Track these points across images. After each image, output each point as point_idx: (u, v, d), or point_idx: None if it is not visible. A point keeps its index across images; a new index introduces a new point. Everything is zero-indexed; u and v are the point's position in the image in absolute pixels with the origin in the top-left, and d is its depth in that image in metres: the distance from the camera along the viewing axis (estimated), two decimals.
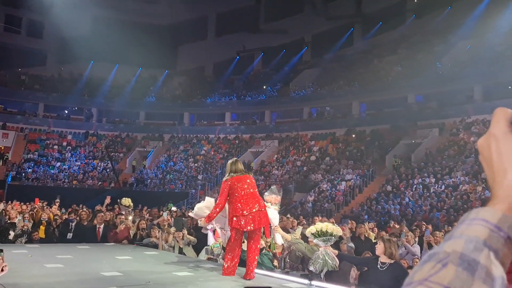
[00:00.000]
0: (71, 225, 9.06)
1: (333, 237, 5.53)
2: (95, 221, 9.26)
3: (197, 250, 8.51)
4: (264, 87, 38.21)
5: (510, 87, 25.67)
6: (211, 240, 6.53)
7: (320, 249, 5.54)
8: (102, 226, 9.11)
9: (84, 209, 11.30)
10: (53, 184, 29.22)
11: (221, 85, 40.34)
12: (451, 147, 24.07)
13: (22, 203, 14.01)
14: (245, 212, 5.46)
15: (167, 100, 39.27)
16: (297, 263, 6.78)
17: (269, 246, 7.13)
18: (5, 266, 2.60)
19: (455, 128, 25.82)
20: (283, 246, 7.18)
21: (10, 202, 14.34)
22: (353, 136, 30.21)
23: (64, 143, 34.86)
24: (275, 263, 7.26)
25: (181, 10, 41.88)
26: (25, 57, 39.53)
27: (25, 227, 8.93)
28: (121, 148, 35.92)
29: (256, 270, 5.68)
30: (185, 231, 8.50)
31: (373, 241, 8.36)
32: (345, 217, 19.40)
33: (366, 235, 8.77)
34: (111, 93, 38.25)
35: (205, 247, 8.12)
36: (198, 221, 6.37)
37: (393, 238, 9.02)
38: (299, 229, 7.63)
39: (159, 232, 8.90)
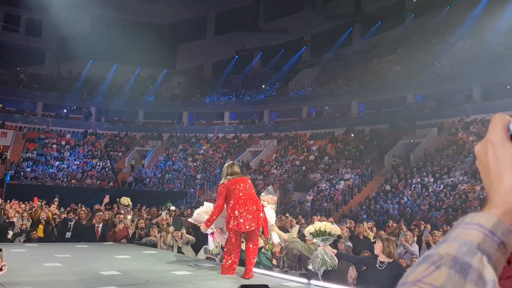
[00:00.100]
0: (70, 224, 9.05)
1: (332, 237, 5.55)
2: (94, 220, 9.26)
3: (196, 249, 8.51)
4: (263, 86, 38.20)
5: (509, 87, 25.70)
6: (211, 244, 6.55)
7: (319, 248, 5.55)
8: (101, 225, 9.10)
9: (83, 208, 11.29)
10: (51, 183, 29.19)
11: (220, 84, 40.34)
12: (450, 147, 24.10)
13: (20, 202, 13.99)
14: (244, 213, 5.49)
15: (166, 99, 39.24)
16: (294, 261, 6.80)
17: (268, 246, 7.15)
18: (4, 265, 2.60)
19: (454, 128, 25.85)
20: (281, 246, 7.20)
21: (8, 201, 14.32)
22: (352, 135, 30.23)
23: (63, 142, 34.82)
24: (274, 262, 7.27)
25: (180, 9, 41.87)
26: (24, 56, 39.51)
27: (24, 226, 8.92)
28: (120, 147, 35.89)
29: (254, 269, 5.70)
30: (184, 230, 8.50)
31: (372, 240, 8.37)
32: (344, 217, 19.43)
33: (365, 235, 8.78)
34: (110, 92, 38.21)
35: (204, 246, 8.13)
36: (196, 223, 6.39)
37: (392, 237, 9.04)
38: (296, 228, 7.65)
39: (158, 231, 8.91)
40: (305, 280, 5.32)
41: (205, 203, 6.56)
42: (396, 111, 29.60)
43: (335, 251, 5.69)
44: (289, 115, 35.92)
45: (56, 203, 13.57)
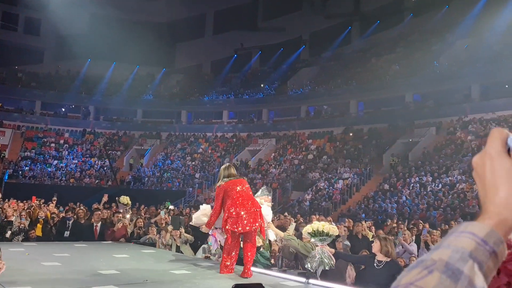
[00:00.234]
0: (68, 223, 9.04)
1: (329, 237, 5.57)
2: (92, 220, 9.25)
3: (194, 249, 8.52)
4: (262, 85, 38.19)
5: (507, 86, 25.74)
6: (214, 245, 6.58)
7: (316, 248, 5.57)
8: (99, 224, 9.09)
9: (82, 207, 11.28)
10: (50, 182, 29.16)
11: (219, 83, 40.31)
12: (448, 146, 24.12)
13: (18, 201, 13.96)
14: (241, 213, 5.52)
15: (164, 98, 39.21)
16: (291, 259, 6.81)
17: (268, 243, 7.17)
18: (3, 264, 2.59)
19: (452, 127, 25.87)
20: (278, 245, 7.23)
21: (7, 200, 14.28)
22: (351, 134, 30.25)
23: (61, 141, 34.77)
24: (272, 261, 7.28)
25: (179, 8, 41.85)
26: (22, 54, 39.43)
27: (22, 225, 8.90)
28: (118, 146, 35.86)
29: (253, 268, 5.71)
30: (183, 230, 8.50)
31: (371, 239, 8.38)
32: (343, 216, 19.44)
33: (364, 234, 8.79)
34: (108, 91, 38.16)
35: (203, 246, 8.13)
36: (200, 228, 6.43)
37: (390, 236, 9.06)
38: (292, 226, 7.69)
39: (156, 230, 8.91)
40: (303, 279, 5.34)
41: (201, 206, 6.59)
42: (395, 111, 29.63)
43: (333, 250, 5.71)
44: (287, 114, 35.93)
45: (54, 202, 13.54)
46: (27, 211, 10.36)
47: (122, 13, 39.31)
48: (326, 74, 36.14)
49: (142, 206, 15.61)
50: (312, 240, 5.68)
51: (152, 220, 10.22)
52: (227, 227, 5.61)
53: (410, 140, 26.32)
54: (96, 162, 32.99)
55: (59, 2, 35.56)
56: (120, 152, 35.15)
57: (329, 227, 5.61)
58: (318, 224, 5.65)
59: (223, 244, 6.12)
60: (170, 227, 8.47)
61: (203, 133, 36.74)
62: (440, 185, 20.68)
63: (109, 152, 33.95)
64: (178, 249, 8.16)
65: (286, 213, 13.56)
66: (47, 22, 38.98)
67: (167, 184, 30.40)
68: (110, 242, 8.76)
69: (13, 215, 9.51)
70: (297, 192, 25.58)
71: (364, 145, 28.12)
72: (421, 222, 12.28)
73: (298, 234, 7.31)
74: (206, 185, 28.96)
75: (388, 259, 5.00)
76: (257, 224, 5.64)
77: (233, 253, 5.71)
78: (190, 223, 6.93)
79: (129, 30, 36.73)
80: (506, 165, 0.73)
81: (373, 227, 10.60)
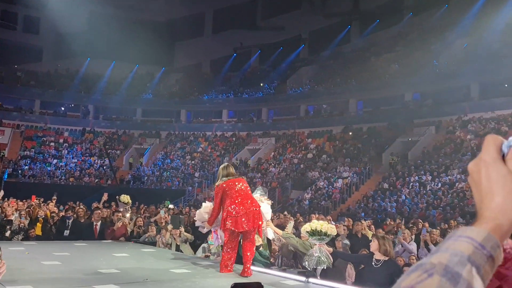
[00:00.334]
0: (68, 222, 9.03)
1: (328, 237, 5.60)
2: (92, 219, 9.25)
3: (194, 248, 8.52)
4: (261, 84, 38.19)
5: (506, 85, 25.76)
6: (216, 242, 6.60)
7: (314, 246, 5.59)
8: (99, 223, 9.09)
9: (81, 206, 11.28)
10: (49, 181, 29.16)
11: (218, 82, 40.28)
12: (447, 145, 24.14)
13: (18, 200, 13.96)
14: (240, 212, 5.54)
15: (164, 97, 39.21)
16: (290, 258, 6.82)
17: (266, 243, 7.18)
18: (3, 264, 2.59)
19: (452, 126, 25.89)
20: (276, 245, 7.23)
21: (6, 199, 14.28)
22: (350, 133, 30.26)
23: (61, 140, 34.75)
24: (272, 260, 7.29)
25: (178, 7, 41.82)
26: (21, 53, 39.36)
27: (22, 224, 8.91)
28: (118, 145, 35.85)
29: (252, 267, 5.72)
30: (182, 229, 8.51)
31: (370, 238, 8.39)
32: (342, 215, 19.46)
33: (363, 233, 8.80)
34: (107, 90, 38.14)
35: (202, 245, 8.14)
36: (201, 224, 6.45)
37: (388, 235, 9.06)
38: (291, 224, 7.70)
39: (156, 229, 8.92)
40: (303, 278, 5.35)
41: (203, 203, 6.60)
42: (394, 109, 29.64)
43: (331, 249, 5.73)
44: (287, 113, 35.93)
45: (54, 201, 13.55)
46: (26, 210, 10.36)
47: (122, 12, 39.27)
48: (326, 73, 36.14)
49: (142, 205, 15.61)
50: (310, 239, 5.70)
51: (152, 219, 10.22)
52: (226, 226, 5.62)
53: (410, 139, 26.33)
54: (96, 161, 32.98)
55: (58, 1, 35.52)
56: (119, 151, 35.15)
57: (328, 226, 5.62)
58: (316, 224, 5.67)
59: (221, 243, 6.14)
60: (170, 226, 8.48)
61: (202, 132, 36.74)
62: (439, 184, 20.70)
63: (109, 151, 33.93)
64: (178, 248, 8.16)
65: (285, 212, 13.56)
66: (46, 20, 38.92)
67: (166, 183, 30.40)
68: (110, 241, 8.77)
69: (12, 214, 9.51)
70: (297, 191, 25.60)
71: (363, 144, 28.13)
72: (421, 221, 12.29)
73: (297, 233, 7.32)
74: (206, 184, 28.96)
75: (386, 258, 5.02)
76: (256, 222, 5.65)
77: (233, 252, 5.72)
78: (194, 218, 6.96)
79: (128, 29, 36.69)
80: (501, 172, 0.75)
81: (372, 226, 10.61)
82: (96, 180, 30.49)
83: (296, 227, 8.44)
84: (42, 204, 12.36)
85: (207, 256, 7.53)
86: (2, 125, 33.64)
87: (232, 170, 5.95)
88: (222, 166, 6.06)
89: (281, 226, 8.07)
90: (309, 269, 5.56)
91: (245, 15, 41.96)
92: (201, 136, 36.32)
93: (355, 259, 6.11)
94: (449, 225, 11.83)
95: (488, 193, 0.75)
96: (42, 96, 36.90)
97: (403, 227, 10.37)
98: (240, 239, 5.87)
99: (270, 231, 6.54)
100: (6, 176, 27.69)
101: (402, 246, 8.30)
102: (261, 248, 6.80)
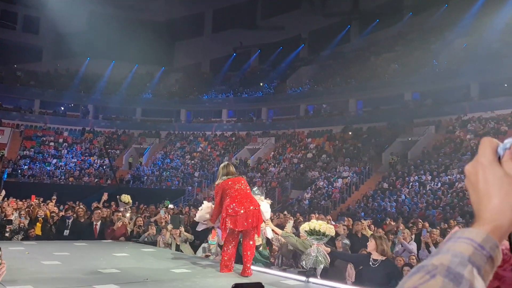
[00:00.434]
0: (68, 222, 9.03)
1: (326, 237, 5.60)
2: (92, 218, 9.25)
3: (194, 248, 8.52)
4: (261, 84, 38.19)
5: (506, 85, 25.76)
6: (219, 238, 6.61)
7: (312, 246, 5.60)
8: (99, 223, 9.09)
9: (81, 206, 11.27)
10: (49, 181, 29.15)
11: (218, 82, 40.27)
12: (447, 145, 24.14)
13: (18, 200, 13.96)
14: (239, 211, 5.53)
15: (163, 97, 39.21)
16: (289, 257, 6.83)
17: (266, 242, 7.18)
18: (4, 264, 2.59)
19: (451, 126, 25.90)
20: (274, 244, 7.24)
21: (6, 199, 14.28)
22: (350, 133, 30.26)
23: (60, 140, 34.74)
24: (272, 260, 7.29)
25: (177, 7, 41.81)
26: (21, 53, 39.35)
27: (22, 224, 8.90)
28: (117, 145, 35.84)
29: (252, 267, 5.72)
30: (182, 228, 8.50)
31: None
32: (342, 215, 19.46)
33: (364, 233, 8.80)
34: (107, 90, 38.14)
35: (203, 245, 8.14)
36: (202, 222, 6.45)
37: (385, 235, 9.06)
38: (290, 224, 7.70)
39: (156, 229, 8.92)
40: (303, 278, 5.35)
41: (204, 202, 6.59)
42: (394, 109, 29.64)
43: (329, 249, 5.74)
44: (286, 113, 35.93)
45: (54, 201, 13.55)
46: (26, 210, 10.36)
47: (121, 12, 39.26)
48: (325, 72, 36.14)
49: (142, 205, 15.61)
50: (309, 238, 5.71)
51: (152, 219, 10.22)
52: (225, 225, 5.62)
53: (409, 138, 26.33)
54: (96, 161, 32.97)
55: (57, 0, 35.49)
56: (119, 151, 35.14)
57: (326, 227, 5.63)
58: (315, 223, 5.68)
59: (221, 243, 6.13)
60: (169, 226, 8.48)
61: (202, 132, 36.75)
62: (439, 184, 20.71)
63: (109, 151, 33.92)
64: (177, 248, 8.16)
65: (285, 212, 13.56)
66: (46, 20, 38.91)
67: (166, 183, 30.39)
68: (110, 241, 8.77)
69: (12, 213, 9.50)
70: (297, 191, 25.60)
71: (363, 144, 28.13)
72: (420, 220, 12.29)
73: (297, 233, 7.32)
74: (206, 184, 28.97)
75: (384, 258, 5.03)
76: (255, 221, 5.64)
77: (233, 252, 5.72)
78: (195, 219, 6.96)
79: (128, 29, 36.68)
80: (498, 174, 0.77)
81: (372, 226, 10.61)
82: (96, 180, 30.49)
83: (296, 227, 8.44)
84: (42, 204, 12.36)
85: (207, 256, 7.53)
86: (1, 125, 33.63)
87: (232, 169, 5.95)
88: (222, 165, 6.06)
89: (281, 226, 8.08)
90: (306, 268, 5.57)
91: (245, 15, 41.96)
92: (200, 135, 36.32)
93: (353, 259, 6.12)
94: (449, 224, 11.83)
95: (485, 195, 0.77)
96: (42, 96, 36.89)
97: (403, 227, 10.37)
98: (240, 239, 5.87)
99: (269, 230, 6.55)
100: (5, 176, 27.68)
101: (402, 246, 8.30)
102: (260, 248, 6.80)
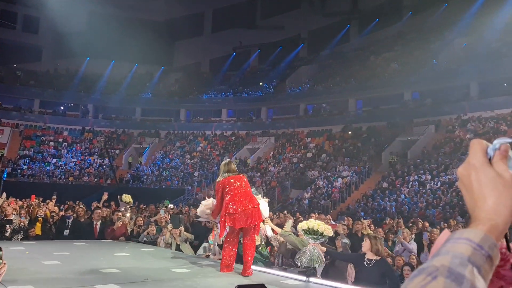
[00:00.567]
0: (68, 222, 9.03)
1: (323, 237, 5.61)
2: (92, 218, 9.24)
3: (194, 247, 8.52)
4: (261, 83, 38.19)
5: (506, 84, 25.75)
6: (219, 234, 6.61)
7: (308, 245, 5.61)
8: (99, 222, 9.08)
9: (81, 206, 11.27)
10: (49, 180, 29.14)
11: (218, 82, 40.29)
12: (447, 144, 24.14)
13: (17, 200, 13.94)
14: (238, 210, 5.53)
15: (163, 97, 39.20)
16: (288, 256, 6.83)
17: (265, 242, 7.18)
18: (5, 264, 2.59)
19: (451, 125, 25.90)
20: (274, 244, 7.24)
21: (6, 199, 14.26)
22: (350, 133, 30.26)
23: (60, 140, 34.73)
24: (272, 259, 7.29)
25: (177, 6, 41.79)
26: (21, 52, 39.34)
27: (22, 223, 8.90)
28: (117, 144, 35.84)
29: (252, 267, 5.72)
30: (182, 228, 8.50)
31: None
32: (342, 214, 19.46)
33: (363, 232, 8.80)
34: (107, 89, 38.14)
35: (203, 244, 8.14)
36: (204, 216, 6.45)
37: (388, 234, 9.07)
38: (289, 223, 7.71)
39: (156, 229, 8.91)
40: (303, 278, 5.35)
41: (203, 201, 6.59)
42: (394, 109, 29.64)
43: (325, 249, 5.75)
44: (286, 113, 35.93)
45: (54, 200, 13.54)
46: (26, 209, 10.36)
47: (121, 11, 39.25)
48: (325, 72, 36.15)
49: (142, 205, 15.61)
50: (305, 237, 5.72)
51: (152, 219, 10.21)
52: (224, 223, 5.63)
53: (409, 138, 26.34)
54: (95, 160, 32.96)
55: (57, 0, 35.45)
56: (119, 150, 35.13)
57: (324, 227, 5.64)
58: (314, 223, 5.68)
59: (221, 243, 6.13)
60: (170, 226, 8.48)
61: (202, 131, 36.75)
62: (439, 183, 20.71)
63: (109, 150, 33.92)
64: (178, 248, 8.16)
65: (285, 211, 13.57)
66: (46, 20, 38.90)
67: (166, 183, 30.39)
68: (110, 240, 8.76)
69: (12, 213, 9.50)
70: (296, 190, 25.61)
71: (363, 143, 28.13)
72: (420, 220, 12.29)
73: (296, 232, 7.33)
74: (205, 183, 28.98)
75: (378, 258, 5.05)
76: (254, 220, 5.63)
77: (233, 252, 5.71)
78: (197, 213, 6.95)
79: (127, 28, 36.69)
80: (490, 175, 0.79)
81: (372, 225, 10.61)
82: (96, 179, 30.49)
83: (296, 226, 8.43)
84: (42, 204, 12.35)
85: (207, 256, 7.53)
86: (1, 125, 33.61)
87: (233, 166, 5.93)
88: (223, 162, 6.04)
89: (281, 226, 8.09)
90: (300, 265, 5.59)
91: (245, 15, 41.96)
92: (200, 135, 36.32)
93: (347, 258, 6.13)
94: (448, 224, 11.82)
95: (480, 196, 0.79)
96: (42, 96, 36.89)
97: (403, 226, 10.37)
98: (240, 238, 5.87)
99: (269, 229, 6.55)
100: (5, 175, 27.68)
101: (402, 246, 8.30)
102: (260, 248, 6.80)
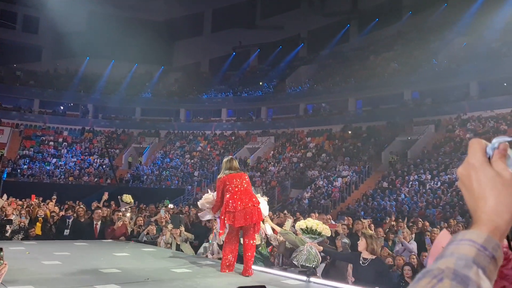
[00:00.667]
0: (68, 221, 9.02)
1: (321, 237, 5.61)
2: (92, 218, 9.24)
3: (195, 247, 8.52)
4: (260, 83, 38.19)
5: (505, 84, 25.75)
6: (218, 232, 6.60)
7: (306, 244, 5.61)
8: (99, 222, 9.08)
9: (81, 206, 11.27)
10: (49, 180, 29.14)
11: (217, 81, 40.29)
12: (447, 144, 24.15)
13: (17, 200, 13.94)
14: (238, 208, 5.51)
15: (163, 96, 39.20)
16: (287, 256, 6.83)
17: (266, 242, 7.19)
18: (6, 265, 2.59)
19: (451, 125, 25.91)
20: (273, 243, 7.24)
21: (7, 200, 14.26)
22: (349, 132, 30.27)
23: (60, 139, 34.74)
24: (272, 259, 7.29)
25: (177, 6, 41.81)
26: (20, 52, 39.34)
27: (22, 223, 8.89)
28: (117, 144, 35.84)
29: (253, 267, 5.72)
30: (183, 228, 8.50)
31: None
32: (342, 214, 19.47)
33: (364, 232, 8.80)
34: (107, 89, 38.13)
35: (204, 244, 8.14)
36: (205, 209, 6.42)
37: (389, 234, 9.07)
38: (289, 222, 7.71)
39: (156, 229, 8.91)
40: (304, 278, 5.35)
41: (204, 195, 6.56)
42: (393, 108, 29.64)
43: (321, 248, 5.76)
44: (286, 112, 35.93)
45: (54, 200, 13.53)
46: (26, 209, 10.35)
47: (121, 11, 39.25)
48: (325, 72, 36.15)
49: (142, 205, 15.61)
50: (303, 236, 5.72)
51: (152, 219, 10.22)
52: (224, 221, 5.62)
53: (409, 138, 26.34)
54: (95, 160, 32.96)
55: (57, 0, 35.46)
56: (118, 150, 35.14)
57: (323, 227, 5.64)
58: (312, 222, 5.68)
59: (221, 243, 6.12)
60: (170, 226, 8.48)
61: (201, 131, 36.75)
62: (439, 183, 20.71)
63: (109, 150, 33.92)
64: (178, 248, 8.16)
65: (285, 211, 13.58)
66: (45, 20, 38.89)
67: (166, 182, 30.39)
68: (110, 240, 8.76)
69: (12, 213, 9.50)
70: (296, 190, 25.61)
71: (362, 143, 28.14)
72: (420, 220, 12.29)
73: (295, 231, 7.33)
74: (205, 183, 28.96)
75: (374, 257, 5.05)
76: (254, 219, 5.60)
77: (233, 251, 5.71)
78: (197, 203, 6.92)
79: (127, 28, 36.69)
80: (489, 174, 0.78)
81: (372, 225, 10.61)
82: (96, 179, 30.49)
83: (292, 223, 8.44)
84: (42, 204, 12.35)
85: (208, 256, 7.53)
86: (1, 125, 33.61)
87: (235, 164, 5.90)
88: (226, 159, 6.00)
89: (281, 225, 8.09)
90: (296, 264, 5.59)
91: (244, 14, 41.96)
92: (200, 135, 36.32)
93: (343, 257, 6.14)
94: (448, 224, 11.82)
95: (480, 196, 0.78)
96: (41, 96, 36.88)
97: (403, 226, 10.36)
98: (240, 238, 5.87)
99: (268, 227, 6.55)
100: (5, 175, 27.67)
101: (402, 245, 8.30)
102: (260, 248, 6.80)
